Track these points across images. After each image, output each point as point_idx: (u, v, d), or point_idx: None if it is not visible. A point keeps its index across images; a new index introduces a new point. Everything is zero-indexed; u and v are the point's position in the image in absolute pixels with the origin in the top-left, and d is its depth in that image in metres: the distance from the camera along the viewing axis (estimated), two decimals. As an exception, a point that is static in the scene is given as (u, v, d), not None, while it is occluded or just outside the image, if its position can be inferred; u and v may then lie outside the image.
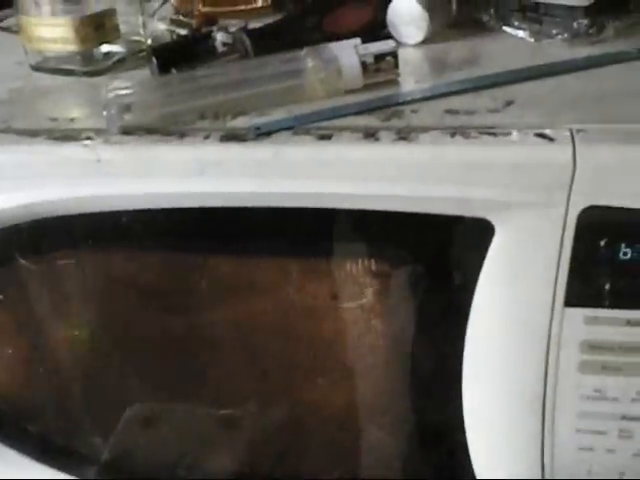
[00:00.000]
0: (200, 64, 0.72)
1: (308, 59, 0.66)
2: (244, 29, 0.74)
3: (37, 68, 0.79)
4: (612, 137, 0.56)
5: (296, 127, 0.61)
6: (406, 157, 0.58)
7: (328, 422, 0.77)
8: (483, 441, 0.66)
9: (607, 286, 0.57)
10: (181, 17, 0.85)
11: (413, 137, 0.58)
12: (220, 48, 0.73)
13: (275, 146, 0.59)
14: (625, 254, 0.56)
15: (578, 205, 0.56)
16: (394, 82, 0.67)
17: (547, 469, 0.65)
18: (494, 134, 0.57)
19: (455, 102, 0.63)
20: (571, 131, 0.56)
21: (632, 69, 0.67)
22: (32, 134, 0.64)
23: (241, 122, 0.63)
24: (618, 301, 0.58)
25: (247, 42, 0.72)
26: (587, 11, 0.71)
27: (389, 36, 0.73)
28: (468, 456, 0.67)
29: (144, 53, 0.78)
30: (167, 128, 0.63)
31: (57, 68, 0.78)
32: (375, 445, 0.76)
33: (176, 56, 0.72)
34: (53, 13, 0.75)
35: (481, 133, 0.58)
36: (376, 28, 0.75)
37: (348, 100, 0.65)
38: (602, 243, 0.56)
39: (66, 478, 0.82)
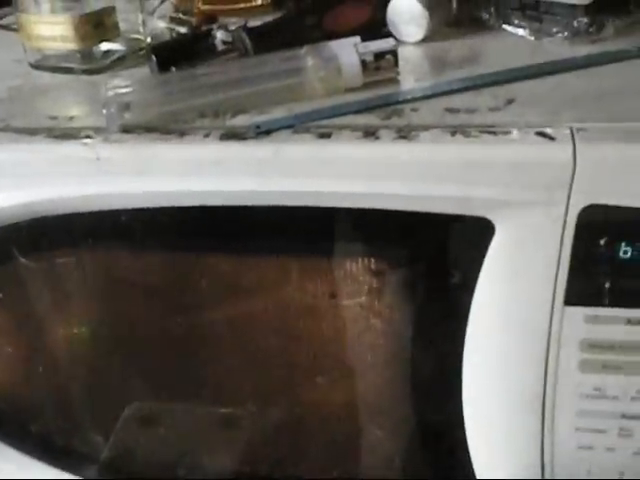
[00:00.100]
0: (200, 62, 0.72)
1: (308, 57, 0.66)
2: (244, 27, 0.74)
3: (36, 66, 0.79)
4: (612, 136, 0.56)
5: (296, 125, 0.61)
6: (406, 156, 0.58)
7: (328, 421, 0.77)
8: (483, 440, 0.66)
9: (607, 285, 0.57)
10: (181, 15, 0.85)
11: (413, 136, 0.58)
12: (220, 46, 0.73)
13: (275, 145, 0.59)
14: (625, 253, 0.56)
15: (578, 204, 0.56)
16: (394, 80, 0.67)
17: (547, 468, 0.65)
18: (494, 133, 0.57)
19: (455, 100, 0.63)
20: (571, 130, 0.56)
21: (632, 67, 0.67)
22: (31, 132, 0.64)
23: (241, 120, 0.63)
24: (618, 300, 0.58)
25: (247, 40, 0.72)
26: (587, 9, 0.71)
27: (389, 34, 0.73)
28: (468, 455, 0.67)
29: (144, 51, 0.78)
30: (167, 126, 0.63)
31: (56, 66, 0.78)
32: (375, 444, 0.76)
33: (176, 54, 0.72)
34: (52, 11, 0.75)
35: (481, 132, 0.58)
36: (376, 26, 0.75)
37: (348, 98, 0.65)
38: (602, 242, 0.56)
39: (66, 477, 0.82)
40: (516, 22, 0.76)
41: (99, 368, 0.78)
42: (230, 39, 0.73)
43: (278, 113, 0.63)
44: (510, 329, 0.61)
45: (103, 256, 0.71)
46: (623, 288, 0.58)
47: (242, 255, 0.69)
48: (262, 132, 0.60)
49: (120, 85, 0.65)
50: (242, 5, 0.88)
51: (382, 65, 0.66)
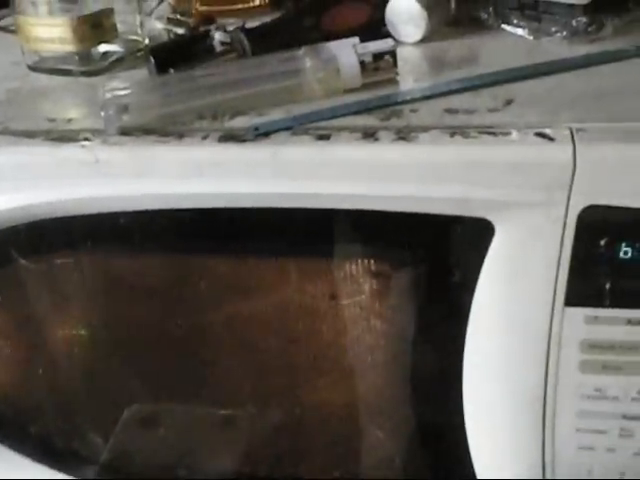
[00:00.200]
0: (198, 64, 0.72)
1: (306, 58, 0.66)
2: (242, 28, 0.74)
3: (34, 68, 0.79)
4: (612, 136, 0.56)
5: (295, 127, 0.61)
6: (405, 157, 0.58)
7: (328, 422, 0.77)
8: (484, 440, 0.66)
9: (607, 285, 0.57)
10: (178, 16, 0.85)
11: (412, 137, 0.58)
12: (218, 47, 0.73)
13: (274, 146, 0.59)
14: (625, 253, 0.56)
15: (578, 204, 0.56)
16: (393, 81, 0.67)
17: (548, 468, 0.65)
18: (494, 133, 0.57)
19: (454, 101, 0.63)
20: (571, 130, 0.56)
21: (631, 67, 0.67)
22: (30, 135, 0.64)
23: (239, 122, 0.63)
24: (618, 300, 0.58)
25: (245, 41, 0.72)
26: (586, 9, 0.71)
27: (388, 35, 0.72)
28: (469, 455, 0.67)
29: (142, 52, 0.78)
30: (165, 128, 0.62)
31: (54, 68, 0.77)
32: (375, 445, 0.76)
33: (174, 56, 0.72)
34: (50, 13, 0.75)
35: (481, 132, 0.57)
36: (374, 27, 0.75)
37: (347, 100, 0.64)
38: (602, 242, 0.56)
39: (65, 478, 0.82)
40: (515, 22, 0.75)
41: (98, 370, 0.78)
42: (228, 40, 0.73)
43: (277, 115, 0.63)
44: (510, 330, 0.61)
45: (102, 258, 0.71)
46: (623, 289, 0.58)
47: (241, 257, 0.69)
48: (261, 134, 0.60)
49: (118, 87, 0.65)
50: (240, 6, 0.88)
51: (381, 66, 0.66)
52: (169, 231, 0.66)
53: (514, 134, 0.57)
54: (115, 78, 0.74)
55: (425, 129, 0.59)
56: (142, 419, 0.79)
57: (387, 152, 0.58)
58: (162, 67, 0.71)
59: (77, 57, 0.76)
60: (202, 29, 0.78)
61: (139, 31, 0.80)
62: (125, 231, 0.66)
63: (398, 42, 0.72)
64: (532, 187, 0.56)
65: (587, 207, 0.55)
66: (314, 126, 0.61)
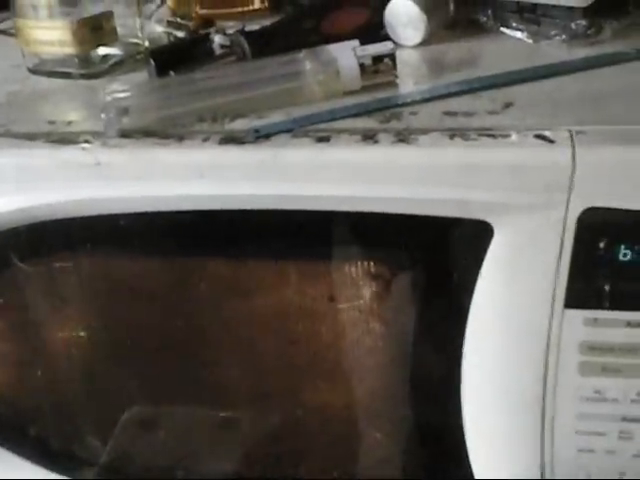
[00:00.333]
0: (198, 66, 0.72)
1: (306, 61, 0.66)
2: (242, 31, 0.74)
3: (34, 71, 0.79)
4: (612, 138, 0.56)
5: (295, 129, 0.61)
6: (405, 159, 0.58)
7: (327, 424, 0.77)
8: (482, 442, 0.66)
9: (607, 287, 0.57)
10: (178, 19, 0.85)
11: (412, 139, 0.58)
12: (218, 50, 0.73)
13: (274, 149, 0.59)
14: (625, 255, 0.56)
15: (578, 207, 0.56)
16: (392, 84, 0.67)
17: (547, 470, 0.65)
18: (493, 136, 0.57)
19: (454, 104, 0.63)
20: (570, 133, 0.56)
21: (630, 70, 0.67)
22: (30, 137, 0.64)
23: (240, 125, 0.63)
24: (618, 302, 0.58)
25: (245, 44, 0.72)
26: (585, 12, 0.71)
27: (387, 38, 0.72)
28: (467, 457, 0.67)
29: (142, 55, 0.78)
30: (166, 131, 0.62)
31: (54, 71, 0.77)
32: (374, 446, 0.76)
33: (174, 59, 0.72)
34: (50, 16, 0.75)
35: (480, 135, 0.57)
36: (374, 29, 0.75)
37: (347, 102, 0.64)
38: (602, 244, 0.56)
39: (63, 479, 0.82)
40: (514, 25, 0.76)
41: (98, 372, 0.78)
42: (228, 43, 0.73)
43: (277, 117, 0.63)
44: (510, 332, 0.61)
45: (102, 260, 0.71)
46: (623, 291, 0.58)
47: (241, 259, 0.69)
48: (261, 136, 0.60)
49: (118, 90, 0.65)
50: (239, 9, 0.89)
51: (380, 68, 0.66)
52: (169, 233, 0.66)
53: (514, 136, 0.57)
54: (115, 81, 0.74)
55: (425, 131, 0.59)
56: (142, 421, 0.79)
57: (387, 154, 0.58)
58: (162, 70, 0.71)
59: (77, 60, 0.76)
60: (202, 32, 0.78)
61: (139, 34, 0.80)
62: (125, 233, 0.66)
63: (397, 45, 0.73)
64: (531, 189, 0.56)
65: (586, 209, 0.55)
66: (314, 128, 0.61)
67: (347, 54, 0.66)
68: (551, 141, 0.56)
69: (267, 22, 0.78)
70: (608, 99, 0.62)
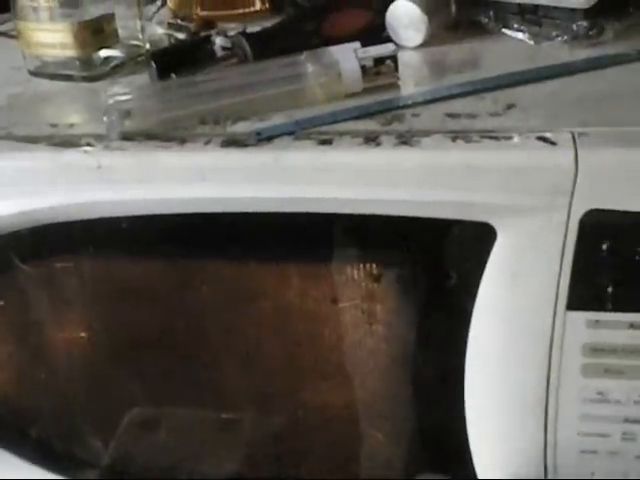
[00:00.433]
0: (199, 69, 0.72)
1: (308, 63, 0.66)
2: (243, 33, 0.74)
3: (35, 73, 0.79)
4: (614, 140, 0.56)
5: (297, 132, 0.61)
6: (407, 162, 0.58)
7: (329, 426, 0.77)
8: (486, 444, 0.66)
9: (609, 289, 0.57)
10: (179, 21, 0.85)
11: (414, 141, 0.58)
12: (219, 52, 0.73)
13: (276, 151, 0.59)
14: (627, 257, 0.56)
15: (580, 208, 0.56)
16: (394, 86, 0.67)
17: (550, 472, 0.65)
18: (496, 138, 0.57)
19: (456, 105, 0.63)
20: (573, 134, 0.56)
21: (632, 71, 0.67)
22: (32, 140, 0.64)
23: (241, 127, 0.63)
24: (620, 304, 0.58)
25: (246, 46, 0.72)
26: (586, 13, 0.71)
27: (388, 39, 0.72)
28: (470, 459, 0.67)
29: (143, 58, 0.78)
30: (167, 134, 0.63)
31: (56, 73, 0.77)
32: (377, 448, 0.76)
33: (175, 61, 0.72)
34: (51, 18, 0.75)
35: (483, 137, 0.57)
36: (375, 31, 0.75)
37: (348, 104, 0.64)
38: (604, 246, 0.56)
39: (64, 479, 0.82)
40: (515, 26, 0.75)
41: (99, 374, 0.78)
42: (229, 45, 0.73)
43: (278, 119, 0.63)
44: (512, 334, 0.61)
45: (104, 263, 0.71)
46: (625, 293, 0.58)
47: (243, 261, 0.69)
48: (263, 139, 0.60)
49: (120, 92, 0.65)
50: (240, 11, 0.88)
51: (382, 70, 0.66)
52: (171, 236, 0.66)
53: (516, 138, 0.57)
54: (116, 83, 0.74)
55: (427, 133, 0.59)
56: (143, 422, 0.79)
57: (389, 157, 0.58)
58: (163, 72, 0.71)
59: (78, 62, 0.76)
60: (203, 34, 0.78)
61: (140, 36, 0.80)
62: (127, 236, 0.66)
63: (399, 46, 0.72)
64: (534, 191, 0.56)
65: (589, 211, 0.55)
66: (316, 131, 0.61)
67: (349, 56, 0.66)
68: (553, 143, 0.56)
69: (268, 24, 0.78)
70: (610, 100, 0.62)
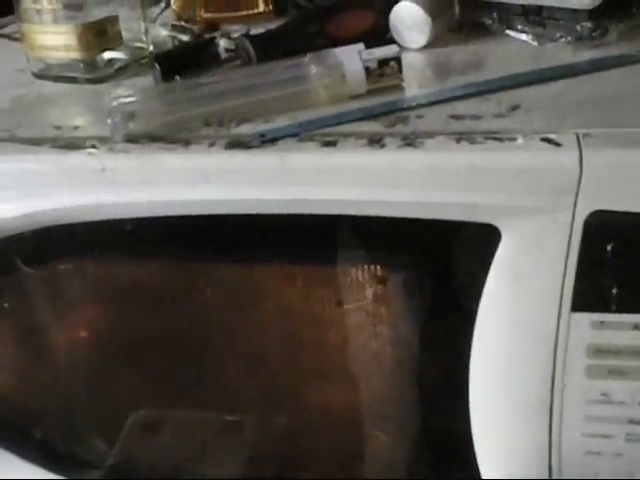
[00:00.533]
0: (203, 71, 0.72)
1: (312, 65, 0.66)
2: (247, 35, 0.74)
3: (39, 75, 0.79)
4: (618, 141, 0.56)
5: (301, 134, 0.61)
6: (411, 163, 0.58)
7: (333, 427, 0.77)
8: (490, 444, 0.66)
9: (614, 290, 0.57)
10: (183, 23, 0.85)
11: (418, 143, 0.58)
12: (223, 54, 0.73)
13: (280, 153, 0.59)
14: (632, 258, 0.56)
15: (585, 210, 0.56)
16: (398, 87, 0.67)
17: (554, 472, 0.65)
18: (500, 139, 0.57)
19: (460, 107, 0.63)
20: (577, 136, 0.56)
21: (636, 72, 0.67)
22: (36, 143, 0.64)
23: (246, 129, 0.63)
24: (625, 305, 0.58)
25: (250, 48, 0.72)
26: (591, 14, 0.71)
27: (392, 41, 0.72)
28: (475, 460, 0.67)
29: (146, 59, 0.78)
30: (172, 136, 0.63)
31: (59, 75, 0.77)
32: (381, 450, 0.76)
33: (179, 63, 0.72)
34: (55, 20, 0.75)
35: (487, 138, 0.57)
36: (379, 33, 0.75)
37: (352, 106, 0.64)
38: (609, 247, 0.56)
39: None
40: (519, 27, 0.75)
41: (103, 375, 0.78)
42: (233, 47, 0.73)
43: (283, 121, 0.63)
44: (517, 335, 0.61)
45: (108, 265, 0.71)
46: (630, 294, 0.58)
47: (247, 263, 0.69)
48: (267, 141, 0.60)
49: (124, 95, 0.65)
50: (244, 12, 0.88)
51: (386, 72, 0.66)
52: (175, 238, 0.66)
53: (520, 140, 0.57)
54: (120, 85, 0.74)
55: (431, 135, 0.59)
56: (147, 424, 0.80)
57: (393, 158, 0.58)
58: (167, 74, 0.71)
59: (82, 64, 0.76)
60: (207, 36, 0.78)
61: (144, 38, 0.80)
62: (131, 238, 0.66)
63: (403, 48, 0.72)
64: (538, 192, 0.56)
65: (593, 212, 0.55)
66: (320, 132, 0.61)
67: (353, 58, 0.66)
68: (558, 144, 0.56)
69: (272, 25, 0.78)
70: (614, 101, 0.62)
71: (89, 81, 0.76)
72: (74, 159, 0.62)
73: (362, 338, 0.70)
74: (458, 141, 0.58)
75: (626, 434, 0.62)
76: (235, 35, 0.76)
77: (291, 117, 0.63)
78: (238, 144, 0.61)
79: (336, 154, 0.59)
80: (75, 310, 0.76)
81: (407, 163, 0.58)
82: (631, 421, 0.62)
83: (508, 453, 0.65)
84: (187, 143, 0.61)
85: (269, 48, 0.73)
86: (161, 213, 0.63)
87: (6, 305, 0.75)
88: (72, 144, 0.63)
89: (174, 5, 0.89)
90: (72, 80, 0.77)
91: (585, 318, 0.59)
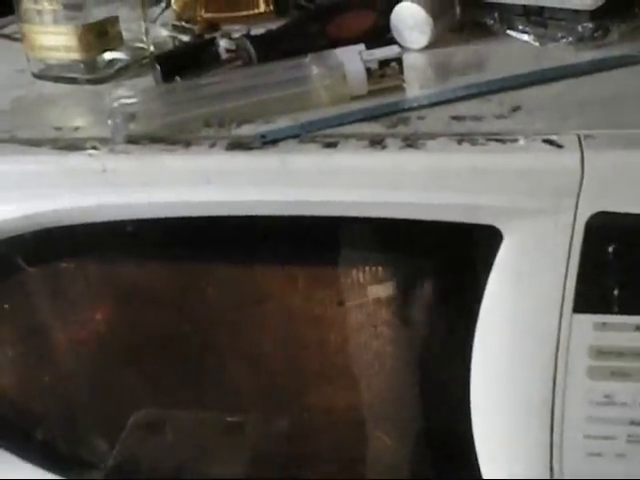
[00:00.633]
0: (204, 71, 0.71)
1: (313, 66, 0.65)
2: (247, 35, 0.74)
3: (39, 76, 0.78)
4: (620, 142, 0.56)
5: (302, 135, 0.61)
6: (413, 164, 0.58)
7: (335, 428, 0.77)
8: (491, 446, 0.66)
9: (616, 292, 0.57)
10: (183, 23, 0.85)
11: (420, 144, 0.58)
12: (224, 55, 0.73)
13: (281, 154, 0.59)
14: (634, 260, 0.56)
15: (586, 211, 0.56)
16: (399, 88, 0.67)
17: (556, 473, 0.65)
18: (501, 140, 0.57)
19: (461, 108, 0.63)
20: (579, 137, 0.56)
21: (638, 72, 0.66)
22: (36, 144, 0.64)
23: (246, 130, 0.63)
24: (627, 307, 0.58)
25: (251, 48, 0.72)
26: (592, 15, 0.71)
27: (393, 41, 0.72)
28: (476, 461, 0.67)
29: (147, 60, 0.78)
30: (172, 137, 0.62)
31: (60, 76, 0.77)
32: (383, 450, 0.76)
33: (180, 63, 0.72)
34: (55, 21, 0.75)
35: (488, 140, 0.57)
36: (380, 33, 0.75)
37: (353, 107, 0.64)
38: (610, 249, 0.56)
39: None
40: (520, 27, 0.75)
41: (104, 376, 0.78)
42: (234, 47, 0.73)
43: (283, 122, 0.63)
44: (519, 336, 0.61)
45: (109, 266, 0.71)
46: (632, 295, 0.58)
47: (248, 264, 0.69)
48: (268, 142, 0.60)
49: (125, 95, 0.64)
50: (244, 13, 0.88)
51: (387, 72, 0.66)
52: (176, 239, 0.66)
53: (522, 141, 0.57)
54: (120, 86, 0.74)
55: (432, 136, 0.59)
56: (149, 424, 0.80)
57: (394, 160, 0.58)
58: (168, 75, 0.71)
59: (82, 65, 0.76)
60: (207, 36, 0.78)
61: (144, 38, 0.79)
62: (132, 239, 0.66)
63: (404, 48, 0.72)
64: (540, 194, 0.56)
65: (595, 214, 0.55)
66: (321, 134, 0.61)
67: (354, 58, 0.65)
68: (559, 145, 0.56)
69: (272, 26, 0.78)
70: (616, 102, 0.62)
71: (89, 82, 0.76)
72: (75, 160, 0.62)
73: (364, 339, 0.70)
74: (459, 142, 0.58)
75: (628, 435, 0.62)
76: (236, 35, 0.75)
77: (292, 118, 0.63)
78: (239, 145, 0.60)
79: (337, 155, 0.59)
80: (76, 311, 0.76)
81: (408, 164, 0.58)
82: (633, 422, 0.62)
83: (510, 454, 0.65)
84: (188, 144, 0.61)
85: (270, 48, 0.73)
86: (162, 214, 0.63)
87: (7, 306, 0.75)
88: (73, 145, 0.63)
89: (174, 5, 0.89)
90: (72, 81, 0.77)
91: (587, 319, 0.59)
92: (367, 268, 0.66)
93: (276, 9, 0.88)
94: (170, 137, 0.62)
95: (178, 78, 0.70)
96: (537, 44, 0.74)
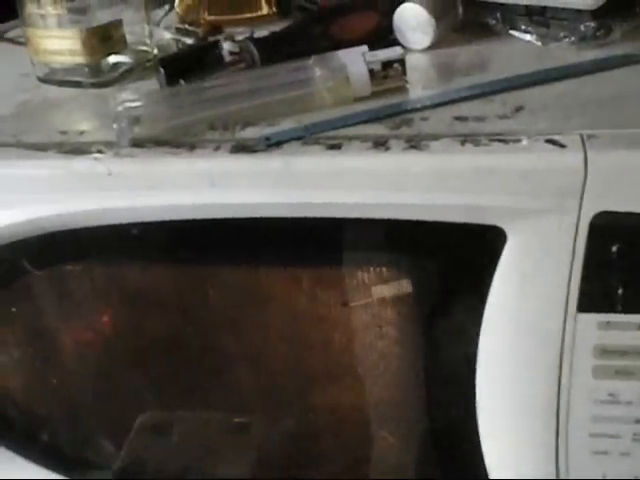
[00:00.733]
0: (207, 74, 0.72)
1: (316, 68, 0.66)
2: (251, 38, 0.74)
3: (44, 80, 0.79)
4: (623, 142, 0.56)
5: (306, 137, 0.61)
6: (416, 166, 0.58)
7: (341, 429, 0.77)
8: (497, 445, 0.66)
9: (620, 291, 0.57)
10: (187, 26, 0.85)
11: (423, 145, 0.58)
12: (227, 57, 0.73)
13: (285, 157, 0.59)
14: (637, 259, 0.56)
15: (590, 211, 0.56)
16: (402, 89, 0.67)
17: (561, 473, 0.65)
18: (504, 141, 0.57)
19: (464, 109, 0.63)
20: (582, 137, 0.56)
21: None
22: (42, 148, 0.64)
23: (251, 133, 0.63)
24: (631, 306, 0.58)
25: (254, 51, 0.72)
26: (594, 14, 0.71)
27: (396, 42, 0.72)
28: (482, 461, 0.67)
29: (151, 63, 0.78)
30: (177, 140, 0.63)
31: (64, 80, 0.77)
32: (388, 449, 0.76)
33: (183, 66, 0.72)
34: (59, 25, 0.75)
35: (491, 140, 0.57)
36: (383, 34, 0.75)
37: (357, 108, 0.65)
38: (614, 248, 0.56)
39: (74, 480, 0.83)
40: (523, 27, 0.75)
41: (109, 378, 0.78)
42: (237, 50, 0.73)
43: (287, 124, 0.63)
44: (523, 336, 0.61)
45: (114, 269, 0.72)
46: (636, 294, 0.58)
47: (253, 266, 0.69)
48: (272, 144, 0.60)
49: (129, 99, 0.65)
50: (248, 15, 0.88)
51: (390, 74, 0.66)
52: (181, 242, 0.66)
53: (525, 141, 0.57)
54: (125, 89, 0.74)
55: (436, 137, 0.59)
56: (155, 425, 0.80)
57: (398, 161, 0.58)
58: (172, 78, 0.71)
59: (87, 69, 0.76)
60: (211, 39, 0.78)
61: (148, 41, 0.80)
62: (137, 242, 0.66)
63: (406, 49, 0.72)
64: (544, 194, 0.56)
65: (599, 213, 0.55)
66: (325, 136, 0.61)
67: (357, 60, 0.66)
68: (562, 145, 0.56)
69: (275, 28, 0.78)
70: (619, 102, 0.62)
71: (94, 85, 0.76)
72: (80, 164, 0.62)
73: (368, 339, 0.70)
74: (463, 143, 0.58)
75: (633, 434, 0.62)
76: (239, 38, 0.75)
77: (296, 120, 0.63)
78: (243, 148, 0.61)
79: (341, 157, 0.59)
80: (82, 314, 0.76)
81: (412, 166, 0.58)
82: (638, 421, 0.62)
83: (515, 453, 0.66)
84: (192, 147, 0.62)
85: (273, 51, 0.73)
86: (167, 217, 0.63)
87: (13, 309, 0.75)
88: (78, 149, 0.63)
89: (178, 8, 0.89)
90: (77, 84, 0.77)
91: (591, 319, 0.59)
92: (371, 269, 0.66)
93: (279, 11, 0.88)
94: (175, 140, 0.63)
95: (182, 81, 0.71)
96: (539, 44, 0.74)
